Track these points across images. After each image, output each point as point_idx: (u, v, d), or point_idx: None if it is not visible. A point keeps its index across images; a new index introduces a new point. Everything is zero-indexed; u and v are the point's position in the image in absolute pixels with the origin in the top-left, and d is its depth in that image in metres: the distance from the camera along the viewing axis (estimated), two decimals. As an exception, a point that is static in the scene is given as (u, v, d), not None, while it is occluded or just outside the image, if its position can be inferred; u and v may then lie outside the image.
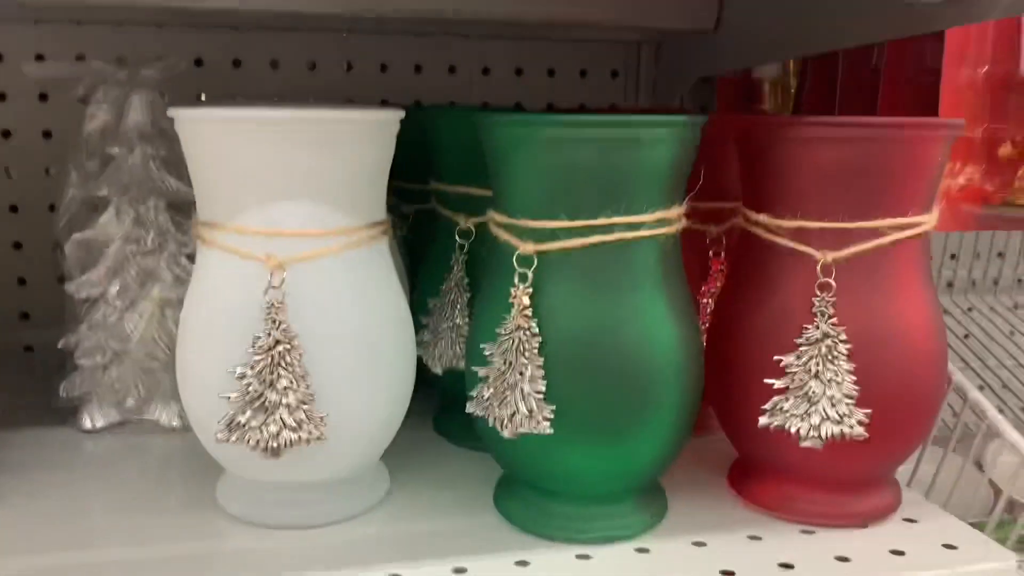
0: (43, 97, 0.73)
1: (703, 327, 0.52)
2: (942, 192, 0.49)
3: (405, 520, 0.48)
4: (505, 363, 0.43)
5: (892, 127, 0.43)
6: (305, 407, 0.43)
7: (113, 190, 0.57)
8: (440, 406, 0.61)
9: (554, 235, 0.42)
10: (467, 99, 0.80)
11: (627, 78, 0.84)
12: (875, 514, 0.48)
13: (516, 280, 0.43)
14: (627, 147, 0.41)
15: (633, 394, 0.43)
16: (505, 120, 0.43)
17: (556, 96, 0.83)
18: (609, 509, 0.46)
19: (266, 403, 0.42)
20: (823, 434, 0.44)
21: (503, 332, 0.43)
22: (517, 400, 0.42)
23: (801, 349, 0.44)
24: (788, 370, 0.45)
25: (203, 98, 0.72)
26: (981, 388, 0.66)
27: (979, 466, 0.64)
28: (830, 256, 0.44)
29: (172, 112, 0.44)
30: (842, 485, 0.48)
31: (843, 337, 0.44)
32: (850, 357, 0.44)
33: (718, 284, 0.55)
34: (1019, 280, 1.00)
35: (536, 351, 0.42)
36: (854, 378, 0.44)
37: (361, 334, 0.45)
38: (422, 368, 0.53)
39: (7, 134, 0.73)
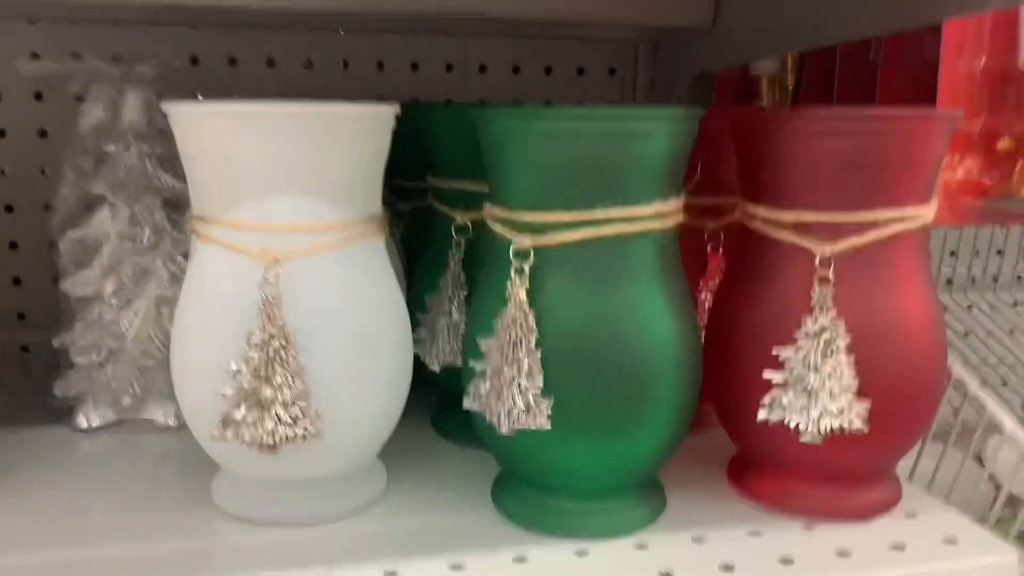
0: (38, 96, 0.73)
1: (701, 323, 0.51)
2: (940, 186, 0.48)
3: (402, 517, 0.48)
4: (502, 358, 0.43)
5: (889, 119, 0.43)
6: (301, 403, 0.43)
7: (108, 188, 0.57)
8: (438, 405, 0.61)
9: (550, 228, 0.42)
10: (464, 97, 0.80)
11: (624, 76, 0.83)
12: (875, 508, 0.48)
13: (512, 274, 0.43)
14: (623, 140, 0.41)
15: (631, 388, 0.43)
16: (501, 113, 0.43)
17: (553, 94, 0.83)
18: (607, 504, 0.46)
19: (261, 399, 0.42)
20: (822, 428, 0.43)
21: (500, 326, 0.43)
22: (514, 395, 0.42)
23: (800, 342, 0.44)
24: (787, 364, 0.44)
25: (200, 98, 0.72)
26: (982, 385, 0.65)
27: (980, 461, 0.64)
28: (829, 249, 0.44)
29: (166, 107, 0.44)
30: (842, 479, 0.48)
31: (842, 330, 0.43)
32: (849, 350, 0.43)
33: (716, 279, 0.55)
34: (1019, 277, 1.00)
35: (533, 345, 0.42)
36: (853, 371, 0.43)
37: (357, 329, 0.44)
38: (420, 367, 0.53)
39: (2, 133, 0.73)
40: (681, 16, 0.71)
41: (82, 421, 0.58)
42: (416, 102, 0.75)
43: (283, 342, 0.42)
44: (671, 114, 0.42)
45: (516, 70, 0.82)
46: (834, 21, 0.56)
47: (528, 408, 0.42)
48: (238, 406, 0.42)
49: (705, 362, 0.47)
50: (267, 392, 0.42)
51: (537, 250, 0.42)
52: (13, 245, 0.75)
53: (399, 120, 0.47)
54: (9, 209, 0.74)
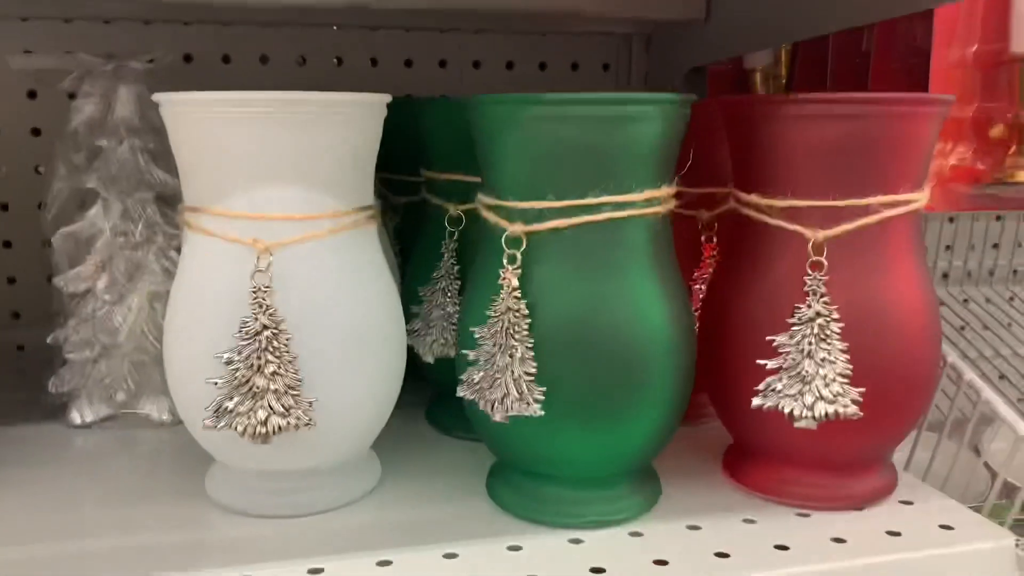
0: (32, 94, 0.73)
1: (695, 312, 0.51)
2: (933, 173, 0.48)
3: (396, 508, 0.47)
4: (495, 345, 0.42)
5: (881, 103, 0.43)
6: (294, 392, 0.43)
7: (101, 183, 0.57)
8: (433, 398, 0.61)
9: (542, 215, 0.42)
10: (458, 93, 0.80)
11: (618, 71, 0.83)
12: (871, 496, 0.48)
13: (505, 261, 0.42)
14: (614, 125, 0.41)
15: (624, 374, 0.42)
16: (493, 100, 0.43)
17: (547, 89, 0.82)
18: (602, 493, 0.46)
19: (254, 389, 0.42)
20: (817, 414, 0.43)
21: (493, 314, 0.43)
22: (508, 382, 0.42)
23: (794, 329, 0.44)
24: (781, 350, 0.44)
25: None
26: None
27: (976, 451, 0.63)
28: (821, 234, 0.44)
29: (157, 97, 0.44)
30: (837, 467, 0.47)
31: (836, 316, 0.43)
32: (843, 336, 0.43)
33: (710, 269, 0.55)
34: (1015, 271, 1.00)
35: (526, 332, 0.42)
36: (847, 357, 0.43)
37: (350, 319, 0.44)
38: (415, 360, 0.53)
39: (-4, 132, 0.73)
40: (675, 9, 0.71)
41: (76, 417, 0.58)
42: (409, 98, 0.75)
43: (275, 331, 0.42)
44: (663, 99, 0.42)
45: (510, 66, 0.82)
46: (827, 9, 0.56)
47: (521, 395, 0.42)
48: (230, 396, 0.42)
49: (700, 351, 0.47)
50: (259, 382, 0.42)
51: (529, 237, 0.42)
52: (7, 244, 0.75)
53: (392, 115, 0.47)
54: (3, 208, 0.74)
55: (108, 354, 0.58)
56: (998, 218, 0.99)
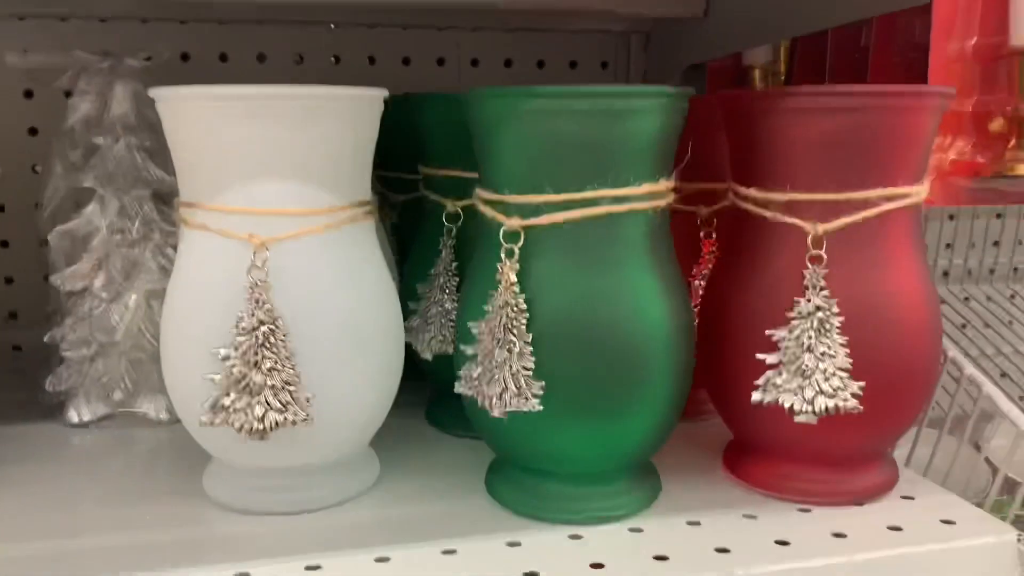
0: (28, 94, 0.73)
1: (695, 308, 0.51)
2: (933, 167, 0.48)
3: (395, 505, 0.47)
4: (493, 340, 0.42)
5: (880, 96, 0.43)
6: (291, 388, 0.42)
7: (98, 180, 0.57)
8: (432, 397, 0.61)
9: (540, 209, 0.42)
10: (456, 91, 0.80)
11: (617, 68, 0.83)
12: (872, 492, 0.48)
13: (503, 256, 0.42)
14: (612, 119, 0.41)
15: (623, 369, 0.42)
16: (491, 94, 0.42)
17: (546, 88, 0.82)
18: (602, 489, 0.45)
19: (251, 385, 0.42)
20: (817, 408, 0.43)
21: (490, 309, 0.42)
22: (506, 377, 0.42)
23: (793, 323, 0.44)
24: (780, 344, 0.44)
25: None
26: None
27: (976, 447, 0.63)
28: (821, 228, 0.44)
29: (153, 92, 0.43)
30: (838, 462, 0.47)
31: (835, 309, 0.43)
32: (843, 329, 0.43)
33: (709, 265, 0.55)
34: (1015, 269, 1.00)
35: (524, 327, 0.42)
36: (847, 350, 0.43)
37: (347, 314, 0.44)
38: (414, 359, 0.52)
39: (-8, 131, 0.73)
40: (674, 6, 0.71)
41: (73, 416, 0.58)
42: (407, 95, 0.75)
43: (272, 327, 0.42)
44: (661, 92, 0.41)
45: (508, 64, 0.82)
46: (825, 4, 0.56)
47: (519, 390, 0.41)
48: (227, 392, 0.42)
49: (699, 347, 0.47)
50: (256, 378, 0.42)
51: (527, 232, 0.42)
52: (5, 244, 0.75)
53: (390, 111, 0.47)
54: (0, 208, 0.74)
55: (105, 352, 0.58)
56: (998, 216, 0.99)
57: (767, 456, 0.48)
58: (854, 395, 0.43)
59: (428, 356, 0.53)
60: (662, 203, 0.43)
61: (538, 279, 0.42)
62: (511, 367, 0.42)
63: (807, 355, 0.43)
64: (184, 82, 0.42)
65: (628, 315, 0.42)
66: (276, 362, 0.42)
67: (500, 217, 0.43)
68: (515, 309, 0.42)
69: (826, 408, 0.43)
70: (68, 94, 0.59)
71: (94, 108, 0.58)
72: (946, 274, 0.98)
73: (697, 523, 0.45)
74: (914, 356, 0.44)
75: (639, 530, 0.44)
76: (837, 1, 0.55)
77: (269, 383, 0.42)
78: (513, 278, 0.42)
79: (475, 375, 0.43)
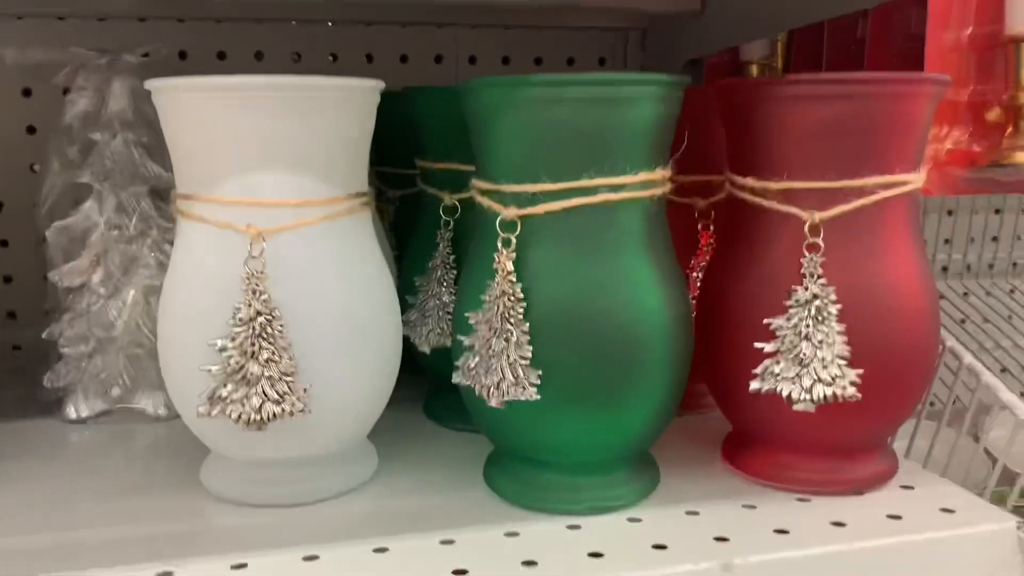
0: (26, 92, 0.73)
1: (692, 300, 0.51)
2: (929, 157, 0.48)
3: (393, 497, 0.47)
4: (490, 330, 0.42)
5: (875, 82, 0.43)
6: (288, 379, 0.42)
7: (95, 176, 0.57)
8: (430, 391, 0.61)
9: (537, 198, 0.42)
10: (453, 87, 0.80)
11: (614, 65, 0.83)
12: (871, 481, 0.47)
13: (499, 245, 0.42)
14: (608, 106, 0.41)
15: (620, 357, 0.42)
16: (486, 83, 0.42)
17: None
18: (600, 479, 0.45)
19: (248, 376, 0.42)
20: (815, 396, 0.43)
21: (488, 299, 0.42)
22: (503, 367, 0.42)
23: (791, 311, 0.44)
24: (778, 333, 0.44)
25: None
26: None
27: (975, 438, 0.63)
28: (818, 216, 0.44)
29: (150, 83, 0.44)
30: (837, 452, 0.47)
31: (833, 297, 0.43)
32: (840, 317, 0.43)
33: (707, 257, 0.55)
34: (1014, 264, 1.00)
35: (521, 316, 0.42)
36: (845, 338, 0.43)
37: (344, 305, 0.44)
38: (412, 354, 0.52)
39: (-10, 130, 0.73)
40: (671, 1, 0.71)
41: (71, 412, 0.58)
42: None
43: (269, 317, 0.42)
44: (657, 80, 0.42)
45: (506, 61, 0.82)
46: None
47: (516, 380, 0.41)
48: (225, 383, 0.42)
49: (697, 338, 0.47)
50: (254, 369, 0.42)
51: (524, 221, 0.42)
52: (4, 243, 0.75)
53: (387, 106, 0.47)
54: (-2, 206, 0.74)
55: (103, 349, 0.58)
56: (997, 211, 0.99)
57: (766, 446, 0.48)
58: (852, 383, 0.43)
59: (426, 349, 0.53)
60: (658, 192, 0.43)
61: (535, 268, 0.42)
62: (508, 356, 0.42)
63: (805, 343, 0.43)
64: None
65: (625, 303, 0.42)
66: (273, 353, 0.42)
67: (497, 207, 0.43)
68: (512, 298, 0.42)
69: (824, 396, 0.43)
70: (66, 91, 0.59)
71: (92, 104, 0.58)
72: (945, 269, 0.98)
73: (696, 513, 0.45)
74: (912, 343, 0.44)
75: (638, 520, 0.44)
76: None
77: (266, 374, 0.42)
78: (510, 267, 0.42)
79: (472, 365, 0.43)
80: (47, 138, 0.60)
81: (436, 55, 0.80)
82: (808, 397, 0.43)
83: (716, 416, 0.55)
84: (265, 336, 0.42)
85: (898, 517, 0.44)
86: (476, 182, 0.45)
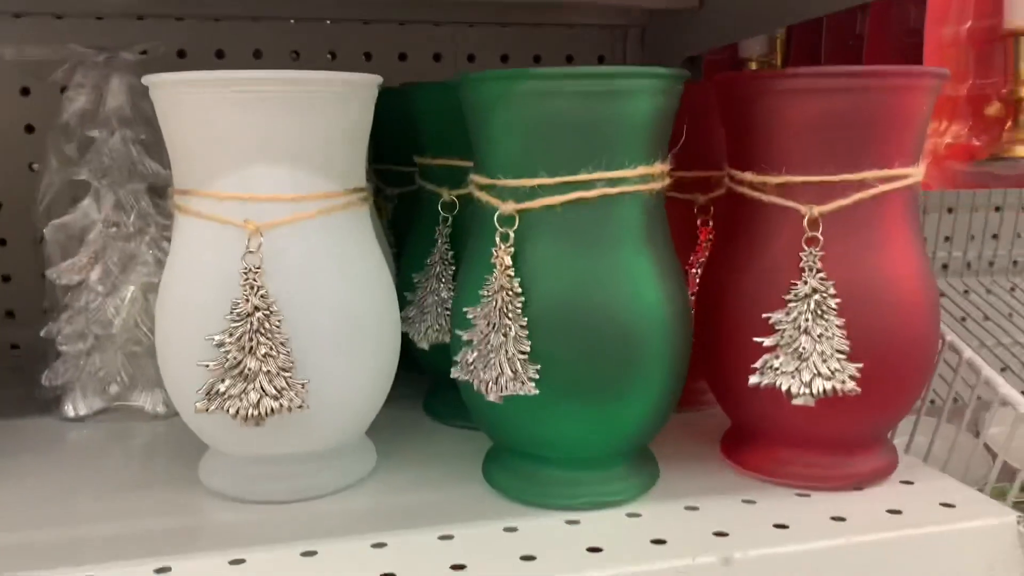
0: (25, 91, 0.73)
1: (692, 296, 0.51)
2: (929, 151, 0.48)
3: (391, 494, 0.47)
4: (488, 325, 0.42)
5: (874, 76, 0.43)
6: (286, 374, 0.42)
7: (93, 174, 0.57)
8: (430, 389, 0.61)
9: (535, 193, 0.42)
10: (451, 84, 0.80)
11: (614, 63, 0.83)
12: (871, 476, 0.47)
13: (497, 240, 0.42)
14: (606, 99, 0.41)
15: (618, 352, 0.42)
16: (484, 76, 0.42)
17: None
18: (599, 474, 0.45)
19: (246, 371, 0.42)
20: (815, 390, 0.43)
21: (486, 294, 0.42)
22: (501, 362, 0.42)
23: (790, 305, 0.44)
24: (777, 327, 0.44)
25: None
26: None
27: (976, 433, 0.63)
28: (816, 210, 0.43)
29: (147, 79, 0.43)
30: (837, 447, 0.47)
31: (832, 291, 0.43)
32: (840, 311, 0.43)
33: (707, 253, 0.54)
34: (1015, 262, 0.99)
35: (519, 311, 0.42)
36: (844, 332, 0.43)
37: (342, 300, 0.44)
38: (412, 352, 0.52)
39: (-11, 129, 0.73)
40: (670, -2, 0.71)
41: (69, 410, 0.58)
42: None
43: (267, 312, 0.42)
44: (655, 72, 0.41)
45: (504, 59, 0.82)
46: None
47: (515, 374, 0.41)
48: (222, 378, 0.42)
49: (697, 334, 0.47)
50: (251, 363, 0.42)
51: (522, 215, 0.42)
52: (2, 242, 0.75)
53: (385, 103, 0.47)
54: (-3, 206, 0.74)
55: (101, 346, 0.58)
56: (997, 209, 0.99)
57: (765, 442, 0.48)
58: (851, 377, 0.43)
59: (425, 346, 0.53)
60: (657, 186, 0.43)
61: (533, 263, 0.42)
62: (507, 351, 0.42)
63: (804, 337, 0.43)
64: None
65: (623, 297, 0.42)
66: (271, 348, 0.42)
67: (495, 201, 0.43)
68: (510, 293, 0.42)
69: (824, 390, 0.43)
70: (64, 90, 0.59)
71: (90, 102, 0.58)
72: (945, 267, 0.97)
73: (695, 508, 0.45)
74: (912, 337, 0.44)
75: (637, 515, 0.44)
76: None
77: (264, 369, 0.42)
78: (508, 262, 0.42)
79: (471, 360, 0.43)
80: (45, 138, 0.60)
81: (435, 53, 0.80)
82: (807, 391, 0.43)
83: (715, 413, 0.55)
84: (263, 331, 0.42)
85: (898, 512, 0.44)
86: (474, 177, 0.45)
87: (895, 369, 0.44)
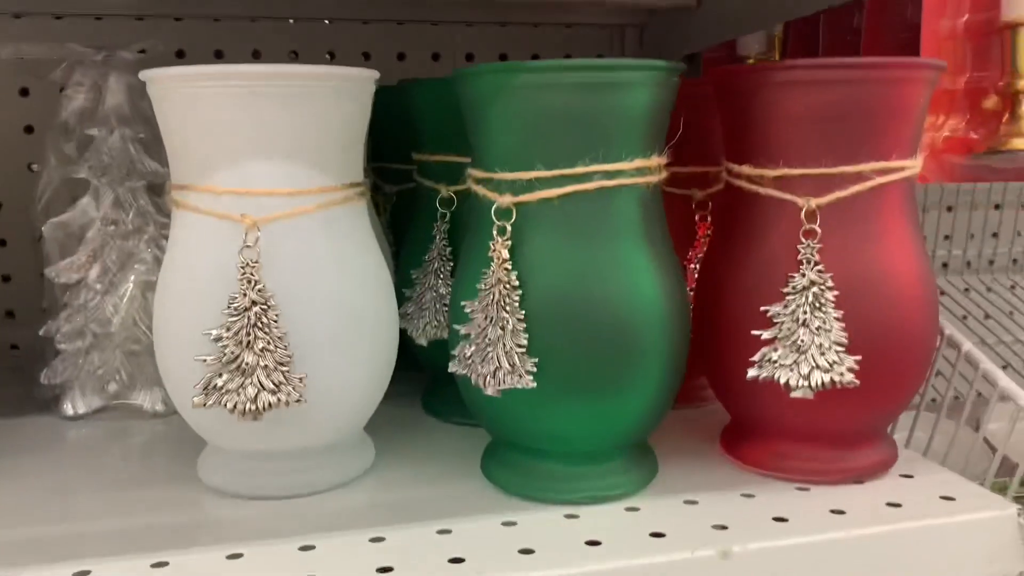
0: (24, 92, 0.73)
1: (690, 290, 0.51)
2: (927, 145, 0.48)
3: (390, 489, 0.47)
4: (486, 318, 0.42)
5: (871, 67, 0.43)
6: (284, 369, 0.42)
7: (92, 172, 0.57)
8: (428, 386, 0.61)
9: (532, 186, 0.42)
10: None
11: (612, 62, 0.83)
12: (870, 470, 0.47)
13: (495, 233, 0.42)
14: (603, 92, 0.41)
15: (616, 345, 0.42)
16: (481, 70, 0.42)
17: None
18: (597, 468, 0.45)
19: (243, 365, 0.42)
20: (813, 383, 0.43)
21: (483, 287, 0.42)
22: (499, 355, 0.42)
23: (788, 298, 0.44)
24: (776, 320, 0.44)
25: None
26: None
27: (975, 428, 0.63)
28: (814, 202, 0.43)
29: (144, 73, 0.43)
30: (836, 440, 0.47)
31: (830, 284, 0.43)
32: (838, 304, 0.43)
33: (705, 248, 0.54)
34: (1014, 260, 0.99)
35: (517, 304, 0.42)
36: (842, 325, 0.43)
37: (339, 294, 0.44)
38: (410, 350, 0.52)
39: (-12, 130, 0.73)
40: (668, -4, 0.71)
41: (68, 409, 0.58)
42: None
43: (264, 307, 0.42)
44: (651, 64, 0.41)
45: (503, 58, 0.82)
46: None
47: (513, 368, 0.41)
48: (220, 373, 0.42)
49: (695, 329, 0.47)
50: (249, 358, 0.42)
51: (519, 209, 0.42)
52: (2, 243, 0.75)
53: (382, 101, 0.47)
54: (-3, 206, 0.74)
55: (100, 345, 0.58)
56: (997, 207, 0.98)
57: (765, 436, 0.48)
58: (850, 369, 0.42)
59: (423, 342, 0.53)
60: (654, 179, 0.43)
61: (530, 256, 0.42)
62: (504, 345, 0.41)
63: (802, 330, 0.43)
64: (179, 77, 0.42)
65: (621, 290, 0.42)
66: (269, 342, 0.42)
67: (492, 195, 0.43)
68: (508, 286, 0.42)
69: (822, 383, 0.42)
70: (63, 89, 0.59)
71: (88, 100, 0.58)
72: (945, 265, 0.97)
73: (695, 502, 0.45)
74: (910, 330, 0.44)
75: (636, 509, 0.44)
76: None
77: (262, 364, 0.42)
78: (505, 255, 0.42)
79: (469, 354, 0.43)
80: (44, 137, 0.60)
81: (433, 52, 0.80)
82: (806, 384, 0.43)
83: (715, 410, 0.55)
84: (260, 325, 0.42)
85: (898, 505, 0.44)
86: (471, 171, 0.45)
87: (893, 361, 0.44)
